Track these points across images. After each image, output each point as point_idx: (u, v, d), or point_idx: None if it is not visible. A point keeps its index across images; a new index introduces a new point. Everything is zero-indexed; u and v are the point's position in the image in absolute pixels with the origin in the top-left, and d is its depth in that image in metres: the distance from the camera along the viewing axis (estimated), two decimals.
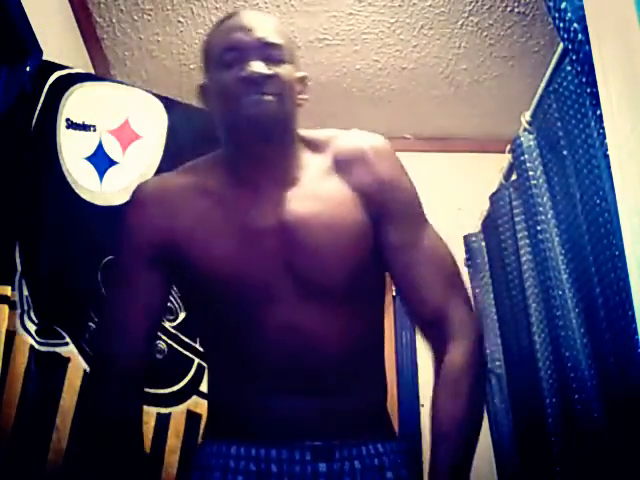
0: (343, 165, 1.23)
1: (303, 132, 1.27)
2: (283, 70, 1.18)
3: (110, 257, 1.64)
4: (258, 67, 1.16)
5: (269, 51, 1.18)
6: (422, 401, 2.79)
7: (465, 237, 2.42)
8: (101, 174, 1.71)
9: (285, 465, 1.13)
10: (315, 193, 1.21)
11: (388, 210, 1.22)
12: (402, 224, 1.22)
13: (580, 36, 1.32)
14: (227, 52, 1.19)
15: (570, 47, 1.36)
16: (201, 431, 1.66)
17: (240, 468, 1.14)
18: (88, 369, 1.56)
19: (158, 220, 1.22)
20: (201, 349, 1.65)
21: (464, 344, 1.17)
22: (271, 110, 1.16)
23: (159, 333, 1.66)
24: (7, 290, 1.47)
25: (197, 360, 1.70)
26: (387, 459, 1.17)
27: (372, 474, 1.15)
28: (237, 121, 1.18)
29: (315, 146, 1.27)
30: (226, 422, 1.20)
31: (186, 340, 1.68)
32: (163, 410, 1.65)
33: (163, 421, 1.65)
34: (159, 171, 1.73)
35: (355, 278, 1.19)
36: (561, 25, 1.37)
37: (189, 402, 1.69)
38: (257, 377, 1.18)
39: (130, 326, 1.20)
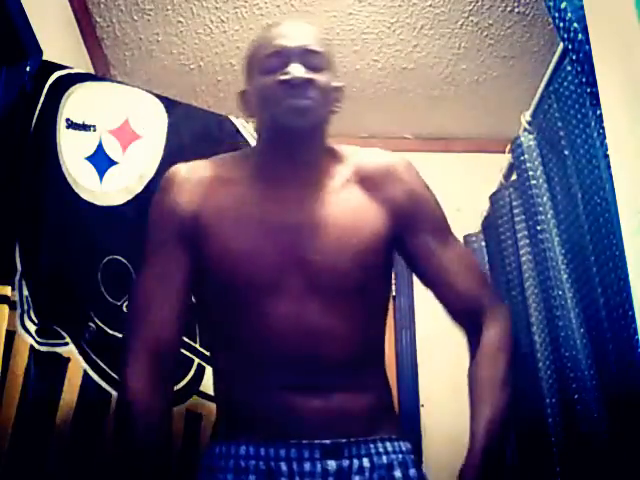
0: (368, 178, 1.31)
1: (328, 142, 1.34)
2: (321, 77, 1.25)
3: (110, 257, 1.65)
4: (298, 71, 1.22)
5: (309, 58, 1.25)
6: (422, 401, 2.79)
7: (465, 237, 2.42)
8: (101, 174, 1.71)
9: (295, 463, 1.14)
10: (335, 199, 1.27)
11: (421, 221, 1.32)
12: (433, 233, 1.32)
13: (580, 36, 1.32)
14: (269, 58, 1.26)
15: (570, 47, 1.36)
16: (201, 431, 1.66)
17: (250, 468, 1.15)
18: (88, 369, 1.56)
19: (188, 201, 1.27)
20: (202, 350, 1.66)
21: (500, 325, 1.29)
22: (308, 114, 1.22)
23: None
24: (7, 290, 1.47)
25: (197, 360, 1.70)
26: (396, 457, 1.18)
27: (381, 472, 1.16)
28: (275, 122, 1.25)
29: (339, 157, 1.34)
30: (235, 423, 1.21)
31: (186, 340, 1.68)
32: None
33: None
34: (159, 171, 1.73)
35: (364, 281, 1.24)
36: (561, 25, 1.37)
37: (189, 402, 1.69)
38: (265, 374, 1.19)
39: (162, 308, 1.23)
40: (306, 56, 1.25)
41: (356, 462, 1.16)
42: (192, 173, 1.32)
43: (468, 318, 1.31)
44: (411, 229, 1.31)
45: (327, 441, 1.15)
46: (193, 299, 1.35)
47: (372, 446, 1.18)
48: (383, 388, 1.28)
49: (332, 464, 1.14)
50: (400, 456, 1.20)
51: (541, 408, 1.72)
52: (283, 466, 1.14)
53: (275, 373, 1.19)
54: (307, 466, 1.14)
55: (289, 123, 1.23)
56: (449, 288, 1.31)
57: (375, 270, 1.27)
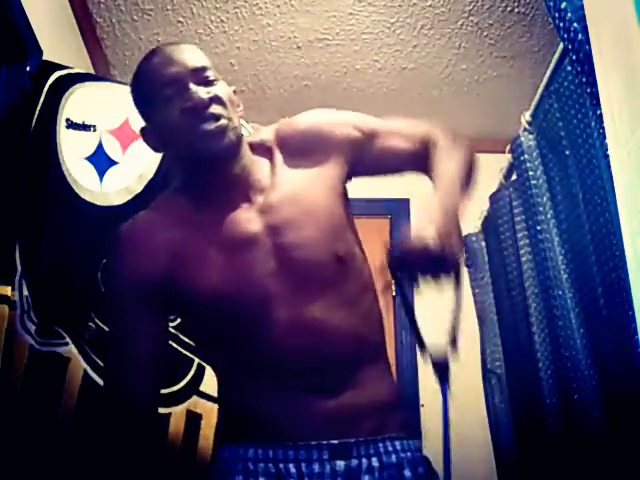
0: (296, 149, 1.30)
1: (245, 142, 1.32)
2: (219, 88, 1.23)
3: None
4: (198, 92, 1.19)
5: (201, 75, 1.22)
6: (422, 401, 2.79)
7: (465, 237, 2.42)
8: (101, 174, 1.71)
9: (304, 465, 1.14)
10: (282, 186, 1.26)
11: (360, 144, 1.33)
12: (364, 137, 1.34)
13: (580, 36, 1.32)
14: (165, 88, 1.21)
15: (570, 47, 1.36)
16: (201, 431, 1.66)
17: (260, 470, 1.15)
18: (88, 369, 1.56)
19: (146, 259, 1.23)
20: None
21: (452, 137, 1.35)
22: (224, 133, 1.20)
23: None
24: (7, 290, 1.47)
25: (197, 360, 1.70)
26: (405, 456, 1.18)
27: (390, 471, 1.16)
28: (194, 151, 1.21)
29: (261, 147, 1.32)
30: (242, 425, 1.21)
31: (186, 340, 1.68)
32: (163, 410, 1.65)
33: (163, 421, 1.65)
34: (159, 171, 1.73)
35: (341, 257, 1.23)
36: (561, 25, 1.37)
37: (189, 402, 1.69)
38: (271, 377, 1.19)
39: (136, 373, 1.22)
40: (198, 75, 1.22)
41: (365, 462, 1.15)
42: (140, 229, 1.28)
43: (421, 157, 1.33)
44: (358, 154, 1.33)
45: (335, 441, 1.15)
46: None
47: (381, 445, 1.17)
48: (389, 385, 1.27)
49: (341, 464, 1.14)
50: (409, 454, 1.19)
51: (541, 408, 1.73)
52: (292, 468, 1.14)
53: (281, 376, 1.18)
54: (316, 467, 1.14)
55: (209, 149, 1.19)
56: (404, 150, 1.35)
57: (346, 238, 1.27)
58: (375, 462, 1.15)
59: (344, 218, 1.29)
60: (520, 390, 2.03)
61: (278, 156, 1.30)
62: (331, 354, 1.19)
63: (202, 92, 1.20)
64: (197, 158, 1.23)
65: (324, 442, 1.14)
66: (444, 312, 1.19)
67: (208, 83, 1.22)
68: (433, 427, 2.65)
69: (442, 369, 1.17)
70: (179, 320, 1.69)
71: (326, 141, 1.31)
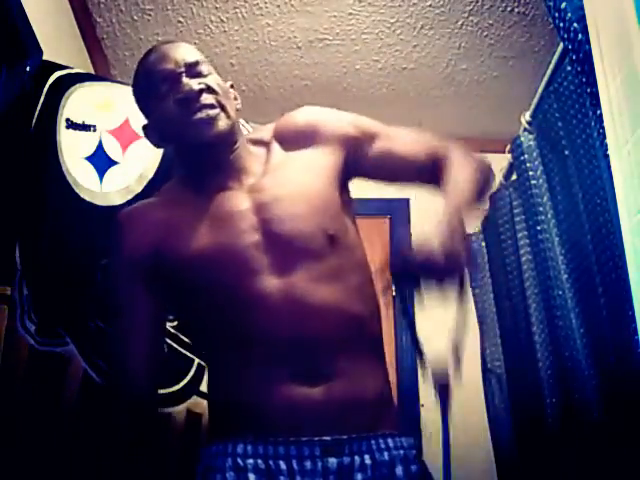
0: (290, 140, 1.34)
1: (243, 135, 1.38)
2: (211, 80, 1.29)
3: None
4: (189, 84, 1.25)
5: (194, 69, 1.28)
6: (422, 401, 2.79)
7: None
8: (101, 174, 1.71)
9: (295, 461, 1.12)
10: (275, 171, 1.30)
11: (358, 143, 1.35)
12: (368, 141, 1.36)
13: (580, 36, 1.32)
14: (160, 84, 1.27)
15: (570, 47, 1.36)
16: (201, 431, 1.66)
17: (249, 466, 1.13)
18: (88, 369, 1.56)
19: (144, 237, 1.28)
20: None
21: (466, 155, 1.34)
22: (217, 121, 1.25)
23: None
24: (7, 290, 1.47)
25: (197, 360, 1.70)
26: (398, 454, 1.17)
27: (382, 469, 1.15)
28: (190, 141, 1.27)
29: (259, 142, 1.37)
30: (230, 420, 1.20)
31: (186, 340, 1.68)
32: (163, 410, 1.65)
33: (163, 421, 1.65)
34: (159, 171, 1.73)
35: (331, 235, 1.24)
36: (561, 25, 1.37)
37: (189, 402, 1.69)
38: (260, 364, 1.18)
39: (138, 358, 1.25)
40: (190, 69, 1.27)
41: (357, 459, 1.14)
42: (139, 211, 1.34)
43: (430, 171, 1.34)
44: (355, 153, 1.34)
45: (327, 438, 1.14)
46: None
47: (373, 442, 1.16)
48: (383, 382, 1.26)
49: (333, 462, 1.13)
50: (402, 452, 1.18)
51: (541, 408, 1.73)
52: (282, 464, 1.12)
53: (271, 361, 1.17)
54: (308, 464, 1.12)
55: (204, 136, 1.24)
56: (404, 157, 1.36)
57: (338, 214, 1.29)
58: (368, 460, 1.14)
59: (337, 203, 1.30)
60: (520, 390, 2.03)
61: (275, 146, 1.35)
62: (315, 327, 1.17)
63: (194, 84, 1.25)
64: (191, 145, 1.28)
65: (316, 438, 1.13)
66: (448, 323, 1.18)
67: (200, 75, 1.28)
68: (433, 427, 2.67)
69: (443, 390, 1.17)
70: (177, 309, 1.69)
71: (322, 133, 1.35)
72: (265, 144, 1.36)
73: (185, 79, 1.26)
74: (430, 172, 1.35)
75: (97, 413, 1.56)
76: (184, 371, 1.69)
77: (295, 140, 1.34)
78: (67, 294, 1.59)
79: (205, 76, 1.28)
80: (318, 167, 1.31)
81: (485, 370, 2.34)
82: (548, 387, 1.72)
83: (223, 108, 1.26)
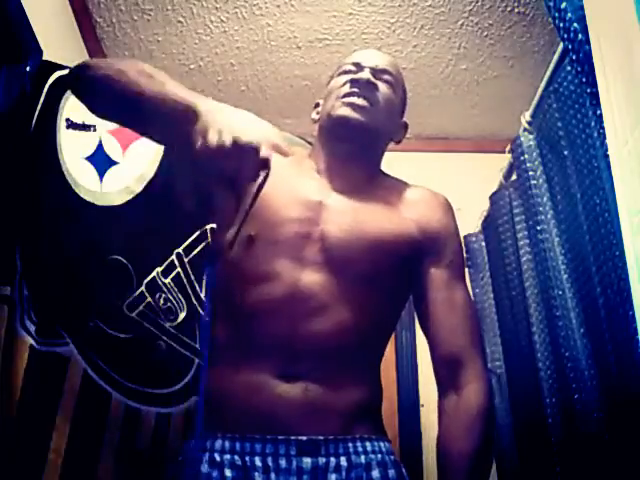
0: (409, 200, 1.39)
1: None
2: (386, 89, 1.39)
3: (110, 257, 1.65)
4: (365, 74, 1.37)
5: (381, 74, 1.40)
6: (422, 401, 2.79)
7: (465, 237, 2.42)
8: (101, 174, 1.71)
9: (270, 459, 1.13)
10: (372, 197, 1.35)
11: (442, 254, 1.35)
12: (448, 269, 1.34)
13: (580, 36, 1.32)
14: (346, 66, 1.43)
15: (570, 47, 1.36)
16: None
17: (225, 462, 1.13)
18: (88, 369, 1.56)
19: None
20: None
21: (479, 387, 1.25)
22: (362, 112, 1.34)
23: (159, 333, 1.66)
24: (7, 290, 1.47)
25: (197, 360, 1.70)
26: (375, 457, 1.18)
27: (358, 471, 1.15)
28: (332, 112, 1.37)
29: (392, 180, 1.44)
30: (211, 417, 1.19)
31: (186, 340, 1.68)
32: (163, 410, 1.65)
33: (163, 421, 1.65)
34: (159, 171, 1.73)
35: (373, 273, 1.26)
36: (561, 25, 1.37)
37: (189, 402, 1.69)
38: (247, 359, 1.18)
39: None
40: (379, 72, 1.40)
41: (333, 460, 1.14)
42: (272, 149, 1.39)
43: (445, 370, 1.28)
44: (432, 256, 1.34)
45: (303, 437, 1.14)
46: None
47: (350, 445, 1.17)
48: (370, 387, 1.26)
49: (308, 461, 1.13)
50: (379, 456, 1.18)
51: (541, 408, 1.72)
52: (258, 461, 1.13)
53: (258, 358, 1.17)
54: (283, 462, 1.12)
55: (343, 113, 1.34)
56: (439, 330, 1.29)
57: (388, 269, 1.29)
58: (344, 461, 1.15)
59: (397, 261, 1.31)
60: (520, 390, 2.03)
61: (396, 194, 1.41)
62: (316, 338, 1.19)
63: (368, 74, 1.39)
64: (332, 119, 1.39)
65: (292, 437, 1.14)
66: None
67: (381, 80, 1.41)
68: (433, 427, 2.67)
69: None
70: (181, 318, 1.69)
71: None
72: (394, 185, 1.43)
73: (368, 70, 1.38)
74: (442, 368, 1.30)
75: (97, 413, 1.56)
76: (184, 371, 1.69)
77: (415, 205, 1.40)
78: (67, 294, 1.59)
79: (385, 83, 1.39)
80: (403, 225, 1.36)
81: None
82: (548, 387, 1.72)
83: (375, 110, 1.35)
